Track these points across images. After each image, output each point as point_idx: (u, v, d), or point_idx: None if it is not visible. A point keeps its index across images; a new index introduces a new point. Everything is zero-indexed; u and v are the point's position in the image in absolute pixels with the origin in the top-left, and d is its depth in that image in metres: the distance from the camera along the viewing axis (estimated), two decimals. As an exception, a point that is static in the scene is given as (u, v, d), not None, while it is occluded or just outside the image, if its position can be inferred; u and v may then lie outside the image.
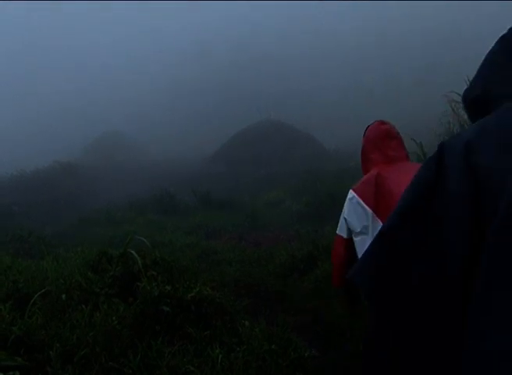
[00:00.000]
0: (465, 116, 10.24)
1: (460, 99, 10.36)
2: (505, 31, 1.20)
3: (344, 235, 2.74)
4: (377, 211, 2.51)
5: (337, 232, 2.79)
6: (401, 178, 2.15)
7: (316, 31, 52.94)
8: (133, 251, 4.68)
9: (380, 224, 2.43)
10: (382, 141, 2.73)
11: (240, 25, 58.74)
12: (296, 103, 39.64)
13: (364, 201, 2.58)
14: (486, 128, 1.01)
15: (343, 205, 2.78)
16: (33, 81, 56.59)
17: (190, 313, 3.93)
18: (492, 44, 1.23)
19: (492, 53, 1.24)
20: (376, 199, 2.53)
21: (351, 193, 2.67)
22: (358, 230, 2.59)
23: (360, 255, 2.56)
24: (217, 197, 15.87)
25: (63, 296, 4.08)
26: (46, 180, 24.06)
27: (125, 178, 25.32)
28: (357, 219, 2.60)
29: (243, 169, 23.77)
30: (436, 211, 1.00)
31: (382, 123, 2.82)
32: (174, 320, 3.80)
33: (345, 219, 2.69)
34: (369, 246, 1.17)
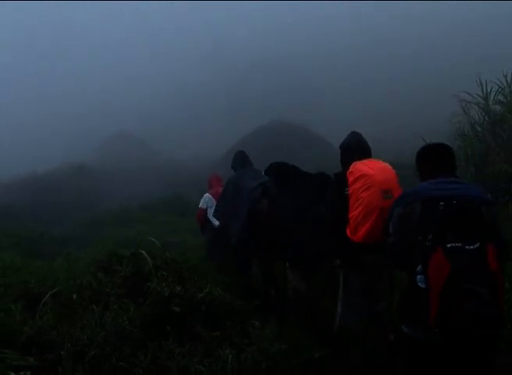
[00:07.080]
0: (476, 117, 10.08)
1: (471, 99, 10.25)
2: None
3: (204, 207, 7.50)
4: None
5: (199, 206, 7.59)
6: None
7: (328, 31, 52.85)
8: (143, 252, 4.68)
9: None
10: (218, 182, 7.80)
11: (251, 26, 58.82)
12: (307, 104, 39.53)
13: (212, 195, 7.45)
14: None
15: None
16: (45, 83, 57.07)
17: (200, 313, 3.93)
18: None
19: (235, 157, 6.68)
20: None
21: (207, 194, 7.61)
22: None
23: (209, 216, 7.24)
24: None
25: (74, 296, 4.09)
26: (57, 181, 24.20)
27: (136, 179, 25.39)
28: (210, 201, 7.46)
29: (253, 170, 23.65)
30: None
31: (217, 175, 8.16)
32: (184, 321, 3.80)
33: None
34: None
